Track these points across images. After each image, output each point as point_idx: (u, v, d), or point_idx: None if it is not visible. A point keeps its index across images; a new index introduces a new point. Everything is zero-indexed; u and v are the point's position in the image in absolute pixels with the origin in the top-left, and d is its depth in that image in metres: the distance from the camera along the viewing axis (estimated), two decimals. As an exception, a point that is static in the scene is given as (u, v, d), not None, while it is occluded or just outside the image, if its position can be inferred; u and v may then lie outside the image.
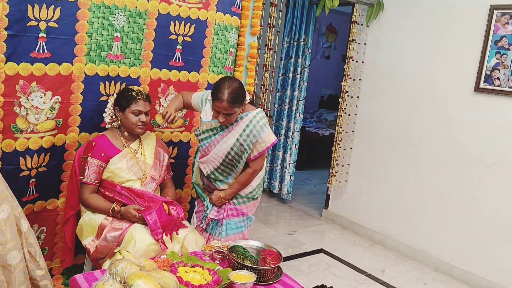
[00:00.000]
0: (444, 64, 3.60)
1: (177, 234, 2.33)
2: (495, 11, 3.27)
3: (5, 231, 1.96)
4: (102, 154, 2.41)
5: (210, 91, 2.49)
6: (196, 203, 2.81)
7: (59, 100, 2.45)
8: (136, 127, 2.46)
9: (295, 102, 4.81)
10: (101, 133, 2.53)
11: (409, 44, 3.84)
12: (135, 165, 2.47)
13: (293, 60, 4.76)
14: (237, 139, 2.50)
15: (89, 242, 2.35)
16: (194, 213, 2.78)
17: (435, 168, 3.69)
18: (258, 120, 2.51)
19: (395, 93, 3.95)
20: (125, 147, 2.49)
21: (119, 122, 2.49)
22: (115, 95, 2.53)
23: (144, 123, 2.47)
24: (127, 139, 2.52)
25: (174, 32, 2.80)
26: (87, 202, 2.40)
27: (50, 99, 2.42)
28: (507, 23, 3.22)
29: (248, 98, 2.53)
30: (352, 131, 4.28)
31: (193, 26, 2.87)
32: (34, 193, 2.52)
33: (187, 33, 2.86)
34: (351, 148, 4.31)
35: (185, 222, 2.49)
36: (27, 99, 2.33)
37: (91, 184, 2.40)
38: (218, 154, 2.53)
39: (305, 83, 4.79)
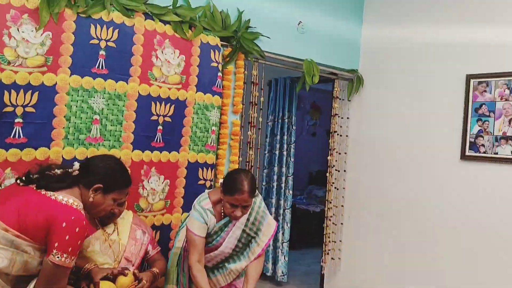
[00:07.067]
0: (428, 134, 3.61)
1: None
2: (472, 80, 3.34)
3: None
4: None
5: (198, 207, 2.41)
6: None
7: (34, 185, 2.36)
8: (106, 217, 2.33)
9: (283, 178, 4.75)
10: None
11: (391, 116, 3.87)
12: (108, 248, 2.32)
13: (278, 137, 4.77)
14: (243, 230, 2.46)
15: None
16: None
17: (428, 240, 3.56)
18: (259, 205, 2.49)
19: (381, 165, 3.92)
20: (99, 228, 2.36)
21: None
22: None
23: (115, 215, 2.34)
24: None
25: (155, 113, 2.79)
26: None
27: (25, 185, 2.33)
28: (485, 91, 3.28)
29: None
30: (342, 206, 4.18)
31: (172, 106, 2.87)
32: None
33: (167, 113, 2.85)
34: (342, 224, 4.19)
35: None
36: (1, 186, 2.24)
37: None
38: (226, 249, 2.48)
39: (292, 159, 4.76)
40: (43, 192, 1.88)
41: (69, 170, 2.00)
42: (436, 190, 3.54)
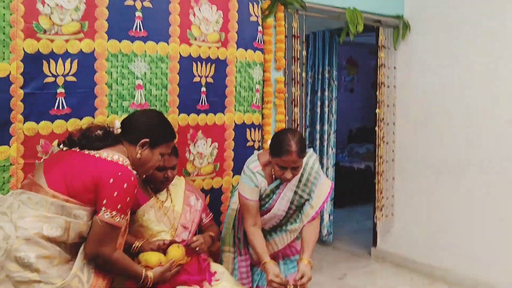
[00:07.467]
0: (491, 80, 3.32)
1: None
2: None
3: None
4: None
5: (247, 171, 2.33)
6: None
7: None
8: (160, 183, 2.28)
9: (325, 136, 4.59)
10: None
11: (444, 62, 3.59)
12: (163, 216, 2.26)
13: (319, 94, 4.58)
14: (295, 192, 2.34)
15: None
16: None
17: (488, 193, 3.36)
18: (312, 166, 2.34)
19: (433, 117, 3.69)
20: (152, 196, 2.29)
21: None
22: None
23: (169, 179, 2.28)
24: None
25: (197, 74, 2.67)
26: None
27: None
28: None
29: None
30: (392, 160, 4.01)
31: (213, 66, 2.73)
32: None
33: (209, 74, 2.72)
34: (393, 179, 4.03)
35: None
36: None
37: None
38: (279, 212, 2.38)
39: (334, 116, 4.58)
40: (86, 152, 1.81)
41: (111, 129, 1.92)
42: (498, 140, 3.30)
